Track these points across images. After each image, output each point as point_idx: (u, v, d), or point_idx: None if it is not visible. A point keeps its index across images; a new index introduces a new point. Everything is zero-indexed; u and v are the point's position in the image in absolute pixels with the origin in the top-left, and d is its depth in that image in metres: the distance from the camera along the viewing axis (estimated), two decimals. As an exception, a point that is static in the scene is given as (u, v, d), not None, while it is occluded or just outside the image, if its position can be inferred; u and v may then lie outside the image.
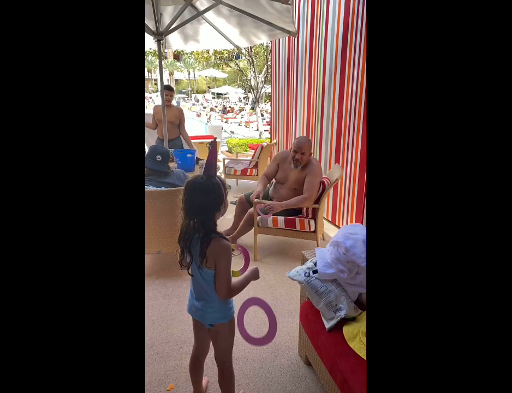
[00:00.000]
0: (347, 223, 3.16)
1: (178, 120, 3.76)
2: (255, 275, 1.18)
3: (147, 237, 2.24)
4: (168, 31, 2.90)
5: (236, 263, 1.24)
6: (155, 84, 32.32)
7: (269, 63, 8.93)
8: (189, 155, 3.05)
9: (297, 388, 1.48)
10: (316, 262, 1.42)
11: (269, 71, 9.30)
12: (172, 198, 2.15)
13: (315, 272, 1.38)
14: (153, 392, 1.45)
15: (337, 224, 3.36)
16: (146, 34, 3.02)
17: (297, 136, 4.17)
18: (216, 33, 3.59)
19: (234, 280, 1.16)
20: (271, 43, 4.86)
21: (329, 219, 3.46)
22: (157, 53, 3.14)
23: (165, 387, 1.48)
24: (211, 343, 1.26)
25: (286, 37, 4.14)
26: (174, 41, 3.78)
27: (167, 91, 3.63)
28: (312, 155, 2.65)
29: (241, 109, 20.15)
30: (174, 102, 3.80)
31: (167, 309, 2.05)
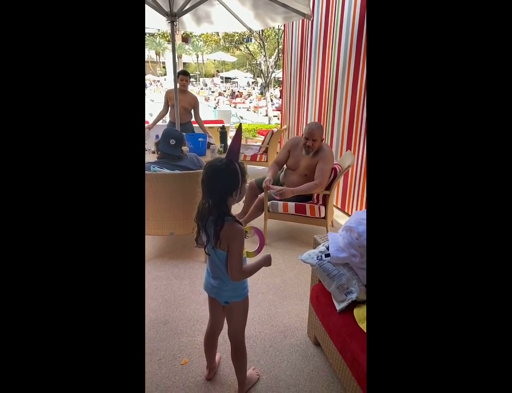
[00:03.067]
0: (356, 210, 3.17)
1: (192, 107, 3.77)
2: (267, 262, 1.21)
3: (160, 219, 2.28)
4: (182, 12, 2.86)
5: (251, 244, 1.28)
6: (164, 67, 31.96)
7: (280, 46, 8.78)
8: (200, 139, 3.06)
9: (305, 366, 1.53)
10: (328, 246, 1.44)
11: (280, 55, 9.16)
12: (185, 182, 2.18)
13: (327, 255, 1.41)
14: (168, 366, 1.52)
15: (346, 211, 3.37)
16: (159, 15, 2.99)
17: (308, 122, 4.14)
18: (229, 14, 3.53)
19: (248, 263, 1.20)
20: (284, 26, 4.76)
21: (339, 206, 3.47)
22: (165, 35, 3.12)
23: (179, 361, 1.55)
24: (225, 320, 1.31)
25: (300, 20, 4.05)
26: (188, 22, 3.73)
27: (183, 76, 3.63)
28: (324, 141, 2.64)
29: (249, 94, 19.91)
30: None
31: (180, 289, 2.11)
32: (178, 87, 3.38)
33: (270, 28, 9.19)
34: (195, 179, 2.19)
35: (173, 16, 2.91)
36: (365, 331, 1.19)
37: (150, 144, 3.26)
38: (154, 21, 3.53)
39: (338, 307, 1.32)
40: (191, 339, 1.68)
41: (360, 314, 1.26)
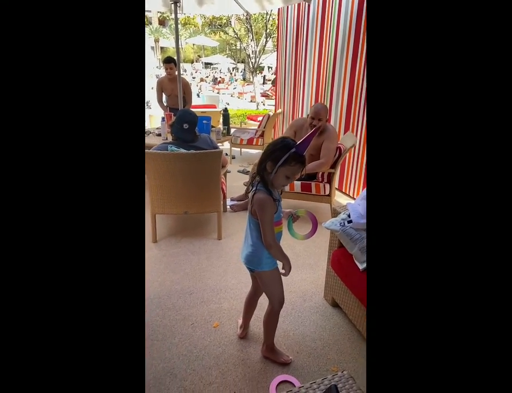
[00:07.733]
0: (354, 190, 3.35)
1: (182, 93, 3.82)
2: (288, 265, 1.25)
3: (175, 198, 2.35)
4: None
5: (303, 227, 1.40)
6: (141, 51, 30.68)
7: (268, 31, 8.74)
8: (204, 121, 3.11)
9: (327, 324, 1.69)
10: (349, 214, 1.59)
11: (267, 40, 9.12)
12: (201, 161, 2.25)
13: (349, 222, 1.55)
14: (202, 329, 1.64)
15: (344, 191, 3.53)
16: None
17: (304, 106, 4.25)
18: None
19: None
20: (278, 9, 4.76)
21: (336, 186, 3.63)
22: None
23: (211, 324, 1.67)
24: None
25: (296, 3, 4.08)
26: (189, 4, 3.67)
27: (167, 64, 3.68)
28: (328, 122, 2.76)
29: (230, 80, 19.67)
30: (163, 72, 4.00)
31: (198, 263, 2.21)
32: (165, 75, 3.70)
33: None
34: (210, 159, 2.26)
35: (176, -3, 2.90)
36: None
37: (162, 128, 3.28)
38: (152, 2, 3.47)
39: (361, 266, 1.47)
40: (218, 306, 1.80)
41: (382, 271, 1.42)
